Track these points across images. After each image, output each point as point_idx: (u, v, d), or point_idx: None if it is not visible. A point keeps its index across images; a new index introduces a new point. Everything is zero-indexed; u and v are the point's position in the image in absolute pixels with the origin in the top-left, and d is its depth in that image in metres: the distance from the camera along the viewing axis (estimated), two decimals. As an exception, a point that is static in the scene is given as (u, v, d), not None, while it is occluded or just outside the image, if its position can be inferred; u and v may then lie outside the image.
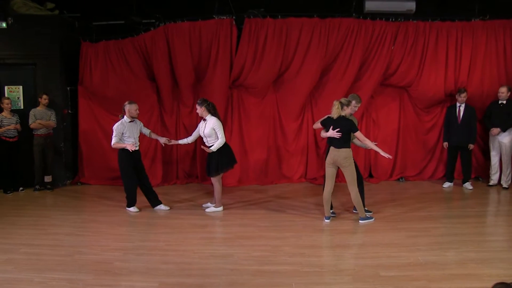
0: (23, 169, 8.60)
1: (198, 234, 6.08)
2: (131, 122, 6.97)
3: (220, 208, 7.13)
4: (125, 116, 6.96)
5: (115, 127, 6.88)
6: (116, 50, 8.85)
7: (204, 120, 6.92)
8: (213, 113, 6.91)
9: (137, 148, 6.99)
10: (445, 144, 8.57)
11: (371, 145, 6.37)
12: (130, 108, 6.92)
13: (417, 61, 8.71)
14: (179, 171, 9.28)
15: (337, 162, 6.24)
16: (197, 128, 7.15)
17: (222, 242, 5.79)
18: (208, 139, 6.91)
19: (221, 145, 6.81)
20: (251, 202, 7.71)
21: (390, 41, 8.61)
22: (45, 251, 5.42)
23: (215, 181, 6.98)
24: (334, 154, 6.24)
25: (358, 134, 6.27)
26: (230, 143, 8.94)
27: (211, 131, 6.81)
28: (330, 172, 6.37)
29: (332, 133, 6.19)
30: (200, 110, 6.89)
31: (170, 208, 7.29)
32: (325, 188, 6.42)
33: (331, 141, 6.32)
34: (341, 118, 6.20)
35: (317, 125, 6.58)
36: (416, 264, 4.85)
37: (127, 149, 6.82)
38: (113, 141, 6.85)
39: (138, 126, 7.12)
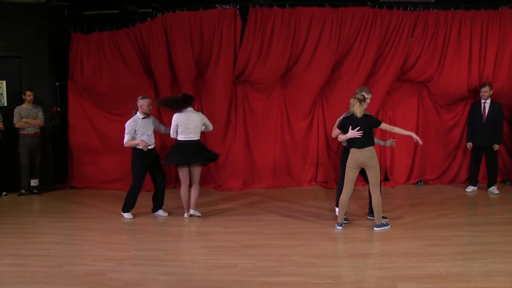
0: (7, 171, 8.64)
1: (199, 243, 6.12)
2: (145, 119, 7.05)
3: (199, 213, 7.22)
4: (138, 112, 7.05)
5: (127, 124, 6.96)
6: (110, 42, 8.89)
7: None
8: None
9: (152, 147, 7.09)
10: (469, 144, 8.52)
11: (401, 130, 6.39)
12: (142, 103, 7.01)
13: (437, 54, 8.69)
14: (178, 174, 9.23)
15: (363, 163, 6.23)
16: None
17: (226, 251, 5.79)
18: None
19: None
20: (257, 207, 7.73)
21: (408, 32, 8.61)
22: (31, 262, 5.41)
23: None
24: (358, 155, 6.22)
25: (383, 125, 6.33)
26: (234, 143, 9.01)
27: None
28: (351, 175, 6.35)
29: (353, 133, 6.19)
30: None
31: (169, 214, 7.32)
32: (343, 192, 6.41)
33: (351, 142, 6.31)
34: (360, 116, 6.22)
35: (336, 131, 6.52)
36: (436, 276, 4.83)
37: (140, 148, 6.89)
38: (125, 139, 6.92)
39: (153, 122, 7.19)
